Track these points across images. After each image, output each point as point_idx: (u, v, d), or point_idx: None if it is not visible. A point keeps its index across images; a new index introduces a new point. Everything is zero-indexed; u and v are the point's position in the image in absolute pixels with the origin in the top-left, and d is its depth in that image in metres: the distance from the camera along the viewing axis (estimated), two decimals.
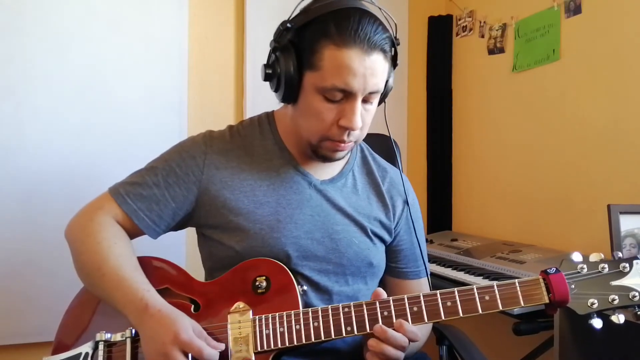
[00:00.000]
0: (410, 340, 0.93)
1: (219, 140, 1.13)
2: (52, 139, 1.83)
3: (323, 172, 1.14)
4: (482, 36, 2.28)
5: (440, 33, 2.46)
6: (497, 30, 2.20)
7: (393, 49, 1.04)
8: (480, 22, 2.29)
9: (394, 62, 1.06)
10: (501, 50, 2.19)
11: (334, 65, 0.96)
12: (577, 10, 1.83)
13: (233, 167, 1.10)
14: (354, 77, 0.96)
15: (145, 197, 1.07)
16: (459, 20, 2.42)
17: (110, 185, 1.11)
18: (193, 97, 2.05)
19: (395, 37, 1.05)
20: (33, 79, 1.81)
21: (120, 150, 1.89)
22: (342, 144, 1.03)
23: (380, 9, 1.04)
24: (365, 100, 1.01)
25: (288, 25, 1.01)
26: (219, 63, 2.12)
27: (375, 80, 0.98)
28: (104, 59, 1.90)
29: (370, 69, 0.96)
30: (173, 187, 1.08)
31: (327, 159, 1.08)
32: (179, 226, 1.13)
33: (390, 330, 0.92)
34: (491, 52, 2.23)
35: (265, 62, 1.06)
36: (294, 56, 1.00)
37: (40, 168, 1.82)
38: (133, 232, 1.09)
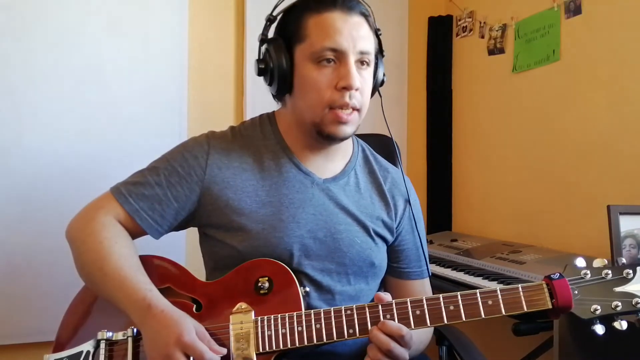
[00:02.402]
0: (394, 338, 0.92)
1: (221, 140, 1.13)
2: (52, 139, 1.83)
3: (326, 170, 1.14)
4: (482, 37, 2.28)
5: (441, 33, 2.46)
6: (497, 30, 2.20)
7: (377, 38, 1.10)
8: (480, 23, 2.29)
9: (380, 53, 1.12)
10: (501, 51, 2.19)
11: (320, 29, 1.02)
12: (577, 10, 1.83)
13: (235, 167, 1.10)
14: (341, 35, 1.01)
15: (147, 197, 1.07)
16: (459, 20, 2.42)
17: (112, 185, 1.11)
18: (193, 97, 2.05)
19: (378, 29, 1.10)
20: (33, 79, 1.81)
21: (120, 150, 1.89)
22: (345, 114, 1.03)
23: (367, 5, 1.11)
24: (361, 65, 1.04)
25: (271, 16, 1.09)
26: (219, 63, 2.12)
27: (363, 41, 1.03)
28: (104, 59, 1.89)
29: (355, 26, 1.03)
30: (175, 187, 1.08)
31: (332, 137, 1.06)
32: (181, 226, 1.13)
33: (373, 331, 0.92)
34: (491, 52, 2.23)
35: (257, 58, 1.11)
36: (282, 40, 1.06)
37: (40, 168, 1.81)
38: (135, 232, 1.09)
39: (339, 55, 1.01)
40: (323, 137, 1.07)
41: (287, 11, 1.08)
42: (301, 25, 1.03)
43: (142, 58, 1.95)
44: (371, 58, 1.07)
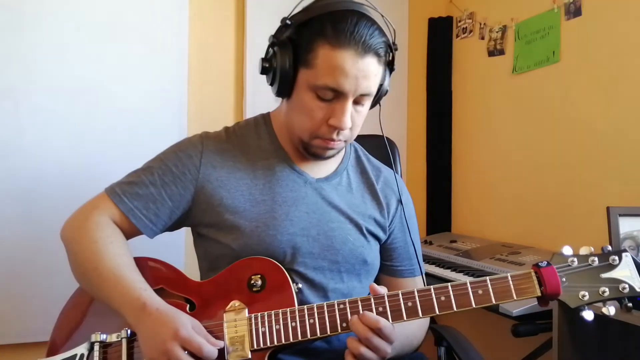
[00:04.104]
0: (372, 329, 0.91)
1: (215, 140, 1.14)
2: (52, 139, 1.83)
3: (318, 170, 1.15)
4: (482, 38, 2.28)
5: (441, 35, 2.46)
6: (497, 32, 2.20)
7: (390, 53, 1.06)
8: (480, 24, 2.29)
9: (390, 66, 1.08)
10: (501, 52, 2.19)
11: (328, 65, 0.98)
12: (577, 12, 1.83)
13: (229, 166, 1.11)
14: (346, 78, 0.97)
15: (141, 196, 1.07)
16: (459, 21, 2.42)
17: (107, 186, 1.11)
18: (193, 97, 2.05)
19: (394, 43, 1.06)
20: (33, 79, 1.81)
21: (120, 150, 1.89)
22: (332, 142, 1.05)
23: (382, 15, 1.06)
24: (356, 102, 1.02)
25: (287, 21, 1.03)
26: (219, 63, 2.12)
27: (367, 83, 1.00)
28: (104, 59, 1.90)
29: (363, 71, 0.98)
30: (170, 186, 1.08)
31: (317, 156, 1.09)
32: (175, 226, 1.14)
33: (353, 320, 0.92)
34: (491, 53, 2.23)
35: (263, 56, 1.08)
36: (291, 52, 1.01)
37: (40, 168, 1.82)
38: (130, 232, 1.09)
39: (338, 95, 1.00)
40: (308, 154, 1.09)
41: (305, 24, 1.01)
42: (312, 50, 0.99)
43: (143, 58, 1.96)
44: (372, 97, 1.05)
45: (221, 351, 0.94)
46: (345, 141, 1.07)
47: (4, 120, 1.78)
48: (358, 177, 1.20)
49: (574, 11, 1.84)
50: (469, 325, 2.09)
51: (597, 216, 1.62)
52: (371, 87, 1.01)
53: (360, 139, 1.30)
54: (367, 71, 0.99)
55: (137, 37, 1.95)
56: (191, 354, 0.90)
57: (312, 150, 1.07)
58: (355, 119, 1.04)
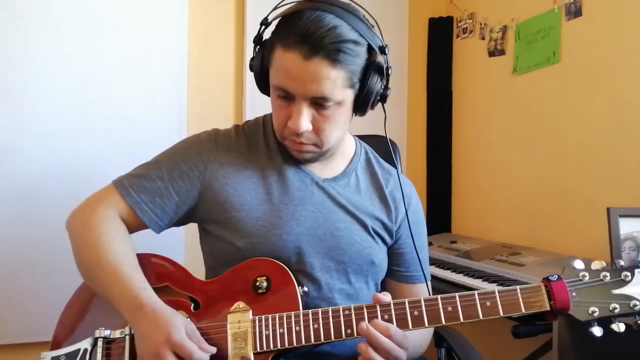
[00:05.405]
0: (384, 335, 0.91)
1: (225, 137, 1.15)
2: (52, 139, 1.83)
3: (325, 171, 1.14)
4: (483, 38, 2.28)
5: (441, 35, 2.46)
6: (497, 32, 2.20)
7: (369, 54, 1.00)
8: (481, 24, 2.29)
9: (376, 68, 1.01)
10: (501, 53, 2.19)
11: (278, 66, 0.99)
12: (577, 12, 1.83)
13: (237, 164, 1.11)
14: (292, 80, 0.97)
15: (148, 190, 1.08)
16: (460, 22, 2.42)
17: (114, 178, 1.11)
18: (193, 97, 2.05)
19: (385, 45, 1.01)
20: (33, 79, 1.81)
21: (119, 150, 1.89)
22: (300, 145, 1.04)
23: (373, 18, 1.04)
24: (319, 106, 1.00)
25: (266, 21, 1.05)
26: (219, 63, 2.12)
27: (317, 87, 0.96)
28: (104, 59, 1.90)
29: (310, 74, 0.95)
30: (177, 181, 1.09)
31: (296, 159, 1.10)
32: (181, 221, 1.14)
33: (372, 330, 0.91)
34: (491, 54, 2.23)
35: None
36: (262, 52, 1.05)
37: (40, 168, 1.82)
38: (136, 225, 1.09)
39: (291, 96, 0.99)
40: (290, 155, 1.10)
41: (276, 24, 1.01)
42: (272, 50, 1.00)
43: (142, 58, 1.95)
44: (333, 101, 0.99)
45: (224, 354, 0.94)
46: (315, 145, 1.05)
47: (4, 121, 1.78)
48: (367, 179, 1.19)
49: (575, 11, 1.84)
50: (469, 326, 2.09)
51: (597, 217, 1.62)
52: (324, 90, 0.96)
53: (362, 138, 1.30)
54: (315, 74, 0.95)
55: (137, 37, 1.94)
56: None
57: (290, 152, 1.09)
58: (321, 123, 1.01)
